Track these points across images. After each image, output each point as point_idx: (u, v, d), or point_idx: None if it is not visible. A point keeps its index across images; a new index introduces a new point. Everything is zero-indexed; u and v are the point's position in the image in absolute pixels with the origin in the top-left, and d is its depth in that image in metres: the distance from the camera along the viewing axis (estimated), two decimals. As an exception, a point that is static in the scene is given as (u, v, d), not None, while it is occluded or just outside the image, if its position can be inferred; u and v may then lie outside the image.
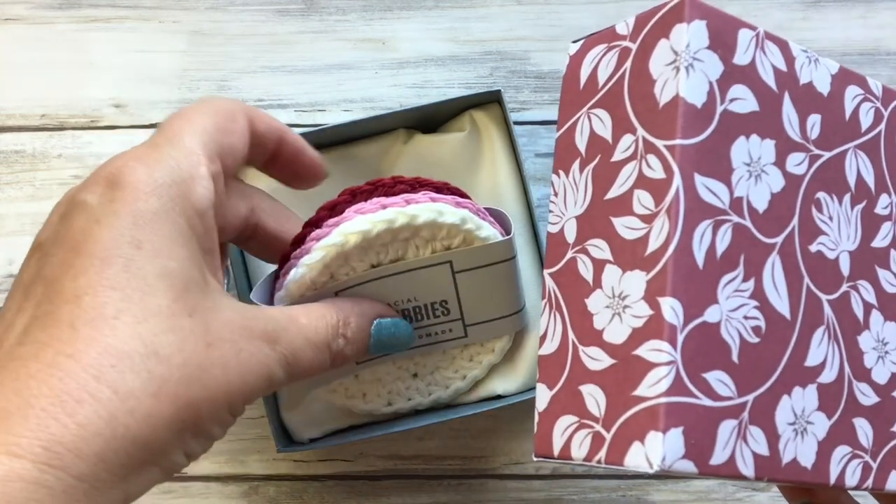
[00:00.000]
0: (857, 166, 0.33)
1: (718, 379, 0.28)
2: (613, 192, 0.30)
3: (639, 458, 0.27)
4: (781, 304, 0.30)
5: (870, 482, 0.32)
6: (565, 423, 0.30)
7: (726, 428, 0.28)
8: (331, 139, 0.46)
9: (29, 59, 0.51)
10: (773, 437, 0.29)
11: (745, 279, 0.29)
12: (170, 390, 0.27)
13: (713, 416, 0.27)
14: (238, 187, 0.34)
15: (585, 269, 0.30)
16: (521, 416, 0.49)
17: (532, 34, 0.51)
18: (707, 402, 0.27)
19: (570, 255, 0.31)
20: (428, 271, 0.38)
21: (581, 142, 0.32)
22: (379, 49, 0.51)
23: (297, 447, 0.44)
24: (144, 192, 0.28)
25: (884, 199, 0.34)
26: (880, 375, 0.33)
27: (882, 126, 0.34)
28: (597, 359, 0.29)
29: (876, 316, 0.33)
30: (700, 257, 0.28)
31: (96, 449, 0.25)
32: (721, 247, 0.28)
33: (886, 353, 0.33)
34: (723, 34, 0.30)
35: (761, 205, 0.30)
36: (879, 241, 0.33)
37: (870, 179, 0.33)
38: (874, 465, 0.32)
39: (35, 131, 0.51)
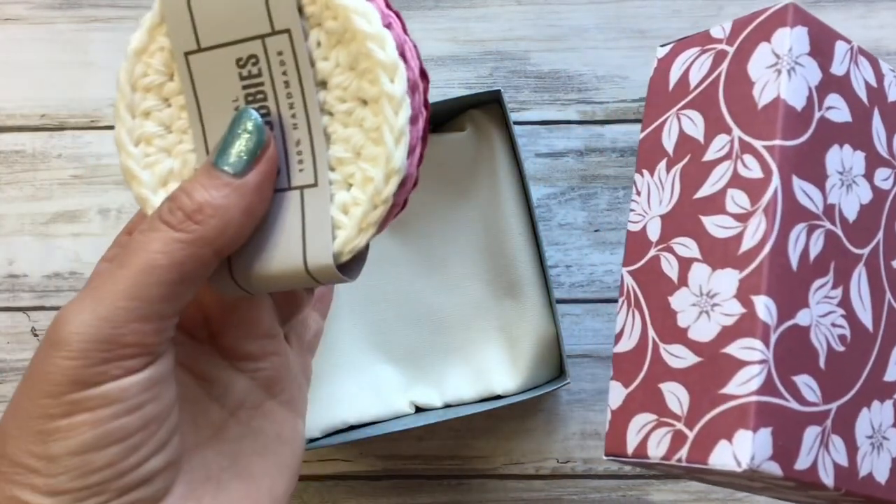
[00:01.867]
0: None
1: (806, 383, 0.27)
2: (704, 192, 0.30)
3: (726, 456, 0.26)
4: (865, 316, 0.30)
5: None
6: (642, 421, 0.29)
7: (811, 434, 0.27)
8: None
9: (29, 59, 0.51)
10: (852, 449, 0.29)
11: (834, 286, 0.29)
12: None
13: (800, 420, 0.27)
14: None
15: (670, 267, 0.30)
16: (521, 416, 0.48)
17: (532, 34, 0.51)
18: (795, 405, 0.27)
19: (652, 252, 0.31)
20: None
21: (669, 142, 0.32)
22: None
23: None
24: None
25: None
26: None
27: None
28: (680, 357, 0.29)
29: (947, 340, 0.33)
30: (794, 259, 0.28)
31: None
32: (814, 251, 0.28)
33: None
34: (822, 43, 0.30)
35: (851, 215, 0.30)
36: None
37: None
38: None
39: (35, 131, 0.51)
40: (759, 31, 0.30)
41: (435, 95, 0.50)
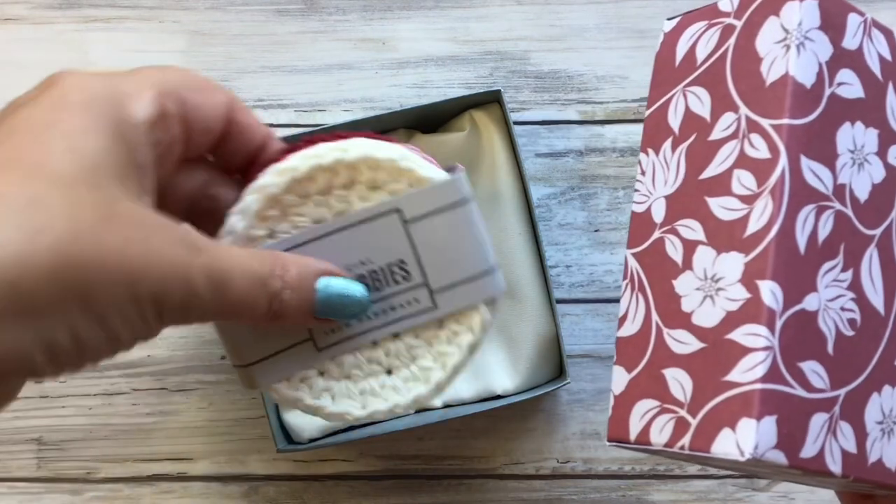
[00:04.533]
0: None
1: (813, 370, 0.27)
2: (710, 172, 0.29)
3: (728, 445, 0.26)
4: (877, 299, 0.29)
5: None
6: (645, 407, 0.29)
7: (818, 421, 0.27)
8: None
9: (29, 59, 0.51)
10: (861, 435, 0.28)
11: (843, 269, 0.28)
12: (47, 239, 0.25)
13: (806, 407, 0.26)
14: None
15: (674, 250, 0.29)
16: (521, 416, 0.48)
17: (532, 34, 0.50)
18: (801, 392, 0.26)
19: (657, 235, 0.30)
20: (376, 224, 0.35)
21: (675, 120, 0.31)
22: (379, 49, 0.51)
23: (298, 447, 0.43)
24: (71, 89, 0.28)
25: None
26: None
27: None
28: (684, 342, 0.28)
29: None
30: (802, 242, 0.27)
31: None
32: (823, 233, 0.27)
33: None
34: (833, 16, 0.29)
35: (863, 194, 0.29)
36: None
37: None
38: None
39: None
40: (767, 4, 0.29)
41: (435, 95, 0.50)
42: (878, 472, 0.28)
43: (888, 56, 0.30)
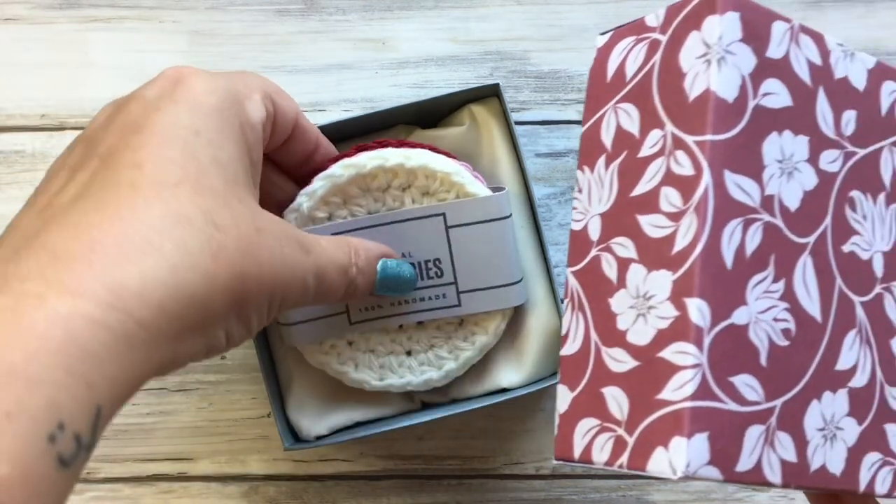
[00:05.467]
0: (893, 164, 0.32)
1: (746, 383, 0.27)
2: (640, 189, 0.29)
3: (662, 463, 0.26)
4: (812, 306, 0.29)
5: None
6: (587, 425, 0.29)
7: (753, 433, 0.27)
8: (331, 136, 0.46)
9: (29, 59, 0.51)
10: (801, 444, 0.28)
11: (775, 280, 0.28)
12: (227, 257, 0.27)
13: (740, 421, 0.27)
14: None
15: (609, 268, 0.30)
16: (522, 415, 0.48)
17: (532, 34, 0.50)
18: (734, 406, 0.27)
19: (593, 253, 0.30)
20: (422, 223, 0.39)
21: (607, 137, 0.31)
22: (379, 49, 0.51)
23: (305, 444, 0.43)
24: (204, 91, 0.30)
25: (920, 199, 0.33)
26: None
27: None
28: (620, 360, 0.28)
29: (910, 319, 0.32)
30: (729, 257, 0.27)
31: (159, 297, 0.25)
32: (751, 246, 0.28)
33: (920, 357, 0.32)
34: (756, 26, 0.29)
35: (793, 203, 0.29)
36: (915, 242, 0.32)
37: None
38: None
39: (35, 131, 0.51)
40: (690, 18, 0.29)
41: (434, 95, 0.50)
42: (821, 478, 0.29)
43: (818, 61, 0.30)
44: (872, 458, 0.30)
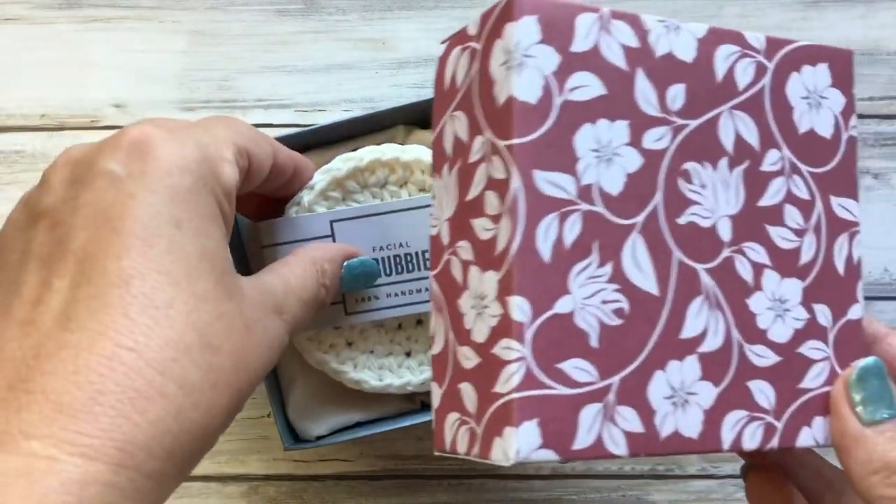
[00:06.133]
0: (735, 127, 0.33)
1: (576, 367, 0.29)
2: (471, 194, 0.31)
3: (499, 452, 0.28)
4: (647, 282, 0.30)
5: (775, 442, 0.32)
6: (452, 419, 0.31)
7: (589, 412, 0.29)
8: (330, 136, 0.46)
9: (29, 59, 0.52)
10: (647, 414, 0.30)
11: (600, 265, 0.30)
12: (225, 380, 0.27)
13: (572, 403, 0.28)
14: None
15: (457, 271, 0.32)
16: None
17: None
18: (564, 390, 0.28)
19: (445, 257, 0.32)
20: (417, 214, 0.41)
21: (448, 144, 0.33)
22: (379, 49, 0.52)
23: (304, 445, 0.45)
24: (177, 167, 0.28)
25: (772, 156, 0.33)
26: (780, 335, 0.33)
27: (766, 80, 0.33)
28: (469, 358, 0.30)
29: (770, 275, 0.33)
30: (546, 252, 0.29)
31: (167, 446, 0.25)
32: (570, 237, 0.29)
33: (786, 310, 0.33)
34: (558, 25, 0.30)
35: (615, 188, 0.30)
36: (769, 199, 0.33)
37: (752, 138, 0.33)
38: (779, 425, 0.32)
39: (35, 131, 0.51)
40: (495, 27, 0.30)
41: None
42: (675, 444, 0.30)
43: (633, 43, 0.31)
44: (736, 416, 0.31)
